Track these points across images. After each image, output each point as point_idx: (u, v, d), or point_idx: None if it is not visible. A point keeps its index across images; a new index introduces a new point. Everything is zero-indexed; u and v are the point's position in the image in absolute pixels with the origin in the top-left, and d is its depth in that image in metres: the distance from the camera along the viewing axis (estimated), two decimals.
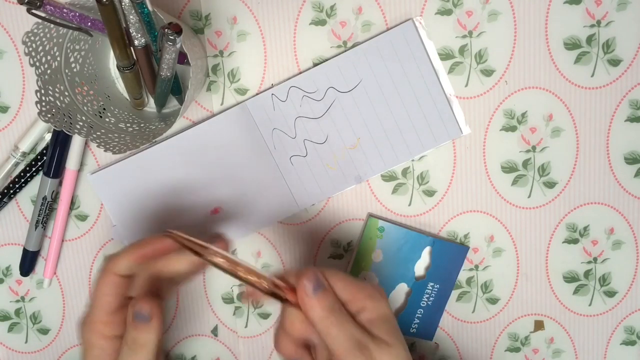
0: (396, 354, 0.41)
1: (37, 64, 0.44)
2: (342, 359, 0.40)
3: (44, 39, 0.44)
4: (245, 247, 0.54)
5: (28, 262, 0.54)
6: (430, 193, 0.53)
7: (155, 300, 0.42)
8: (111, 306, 0.42)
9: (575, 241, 0.54)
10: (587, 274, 0.54)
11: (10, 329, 0.56)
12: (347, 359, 0.40)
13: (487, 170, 0.52)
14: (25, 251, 0.54)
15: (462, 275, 0.54)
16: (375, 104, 0.51)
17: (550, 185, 0.53)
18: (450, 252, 0.53)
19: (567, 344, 0.56)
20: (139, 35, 0.44)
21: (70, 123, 0.46)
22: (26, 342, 0.56)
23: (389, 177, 0.53)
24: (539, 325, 0.55)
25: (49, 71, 0.46)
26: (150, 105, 0.52)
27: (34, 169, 0.53)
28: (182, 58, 0.48)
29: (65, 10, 0.43)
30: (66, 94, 0.47)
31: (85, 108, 0.48)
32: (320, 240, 0.54)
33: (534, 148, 0.52)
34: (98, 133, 0.47)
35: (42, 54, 0.45)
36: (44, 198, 0.52)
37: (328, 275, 0.42)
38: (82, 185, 0.53)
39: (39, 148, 0.52)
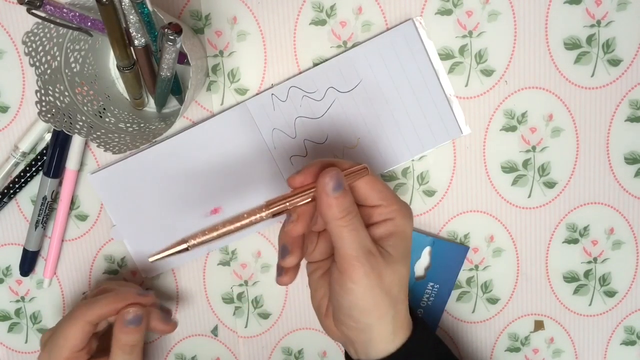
0: (400, 270, 0.42)
1: (37, 64, 0.44)
2: (347, 262, 0.40)
3: (44, 39, 0.44)
4: (245, 247, 0.54)
5: (28, 262, 0.54)
6: (430, 193, 0.53)
7: (139, 305, 0.48)
8: (79, 347, 0.47)
9: (575, 241, 0.54)
10: (587, 274, 0.54)
11: (10, 329, 0.56)
12: (351, 263, 0.40)
13: (487, 170, 0.52)
14: (25, 251, 0.54)
15: (462, 275, 0.54)
16: (375, 104, 0.51)
17: (550, 185, 0.53)
18: (450, 252, 0.53)
19: (567, 344, 0.56)
20: (139, 35, 0.44)
21: (70, 123, 0.46)
22: (26, 342, 0.56)
23: (389, 177, 0.53)
24: (539, 325, 0.55)
25: (49, 71, 0.46)
26: (150, 105, 0.52)
27: (34, 169, 0.53)
28: (182, 58, 0.48)
29: (65, 10, 0.43)
30: (66, 94, 0.47)
31: (85, 108, 0.48)
32: None
33: (534, 148, 0.52)
34: (98, 133, 0.47)
35: (42, 54, 0.45)
36: (44, 198, 0.52)
37: (366, 179, 0.42)
38: (82, 185, 0.53)
39: (39, 148, 0.52)
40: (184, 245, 0.40)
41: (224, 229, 0.40)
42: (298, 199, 0.41)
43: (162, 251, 0.40)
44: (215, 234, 0.40)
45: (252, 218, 0.41)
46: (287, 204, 0.41)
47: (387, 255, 0.42)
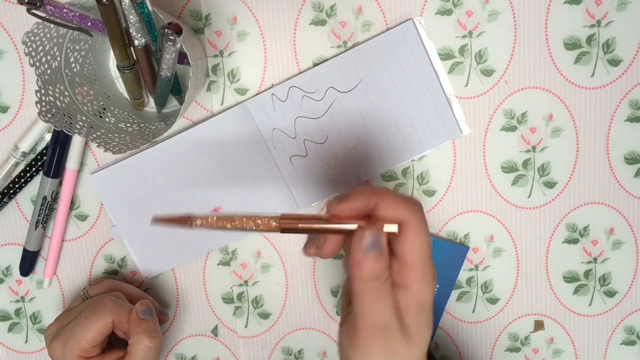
0: (417, 351, 0.38)
1: (37, 64, 0.44)
2: (360, 335, 0.37)
3: (44, 39, 0.44)
4: (245, 247, 0.54)
5: (28, 262, 0.54)
6: (430, 193, 0.53)
7: (149, 299, 0.51)
8: (98, 341, 0.48)
9: (575, 241, 0.54)
10: (587, 274, 0.54)
11: (10, 329, 0.56)
12: (366, 338, 0.37)
13: (487, 170, 0.52)
14: (25, 251, 0.54)
15: (462, 275, 0.54)
16: (375, 104, 0.51)
17: (550, 185, 0.53)
18: (450, 252, 0.53)
19: (567, 344, 0.56)
20: (139, 35, 0.44)
21: (70, 123, 0.46)
22: (26, 342, 0.56)
23: (389, 177, 0.53)
24: (539, 325, 0.55)
25: (49, 71, 0.46)
26: (150, 105, 0.52)
27: (34, 169, 0.53)
28: (182, 58, 0.48)
29: (65, 10, 0.43)
30: (66, 94, 0.47)
31: (85, 108, 0.48)
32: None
33: (534, 148, 0.52)
34: (98, 133, 0.47)
35: (42, 54, 0.45)
36: (44, 198, 0.52)
37: (410, 226, 0.36)
38: (82, 185, 0.53)
39: (39, 148, 0.52)
40: (187, 222, 0.37)
41: (231, 226, 0.38)
42: (315, 226, 0.38)
43: (167, 218, 0.38)
44: (219, 224, 0.38)
45: (263, 226, 0.38)
46: (299, 225, 0.38)
47: (405, 333, 0.37)
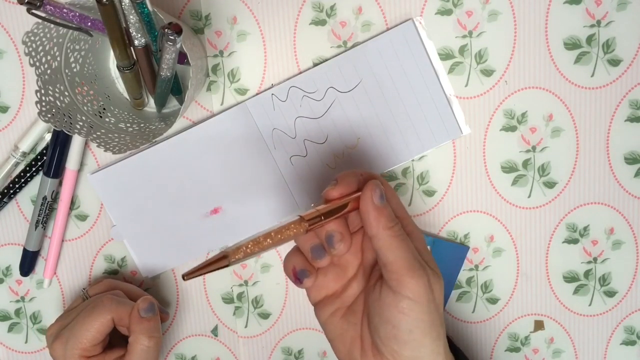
0: (442, 285, 0.40)
1: (37, 64, 0.44)
2: (405, 274, 0.38)
3: (44, 39, 0.44)
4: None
5: (28, 262, 0.54)
6: (430, 193, 0.53)
7: (150, 296, 0.50)
8: (99, 339, 0.48)
9: (575, 241, 0.54)
10: (587, 274, 0.54)
11: (10, 329, 0.56)
12: (408, 274, 0.38)
13: (487, 170, 0.52)
14: (25, 251, 0.54)
15: (462, 275, 0.54)
16: (375, 104, 0.51)
17: (550, 185, 0.53)
18: (450, 252, 0.53)
19: (567, 344, 0.56)
20: (139, 35, 0.44)
21: (70, 123, 0.46)
22: (26, 342, 0.56)
23: (389, 177, 0.53)
24: (539, 325, 0.55)
25: (49, 71, 0.46)
26: (150, 105, 0.52)
27: (34, 169, 0.53)
28: (182, 58, 0.48)
29: (65, 10, 0.43)
30: (66, 94, 0.47)
31: (85, 108, 0.48)
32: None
33: (534, 148, 0.52)
34: (98, 133, 0.47)
35: (42, 54, 0.45)
36: (44, 198, 0.52)
37: (386, 189, 0.41)
38: (82, 185, 0.53)
39: (39, 148, 0.52)
40: (225, 262, 0.36)
41: (266, 244, 0.37)
42: (336, 214, 0.39)
43: (201, 267, 0.35)
44: (257, 249, 0.37)
45: (293, 233, 0.38)
46: (322, 217, 0.39)
47: (431, 267, 0.40)
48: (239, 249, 0.36)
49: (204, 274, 0.36)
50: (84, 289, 0.52)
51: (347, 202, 0.40)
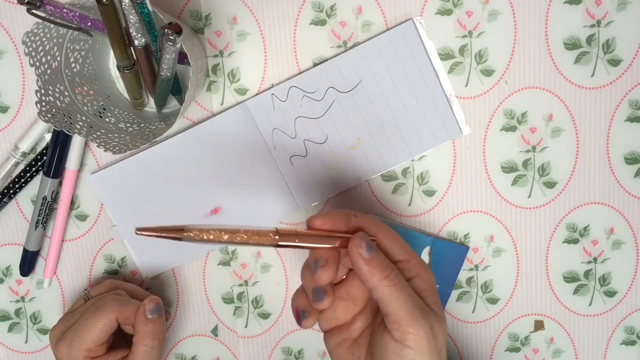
0: (445, 329, 0.40)
1: (37, 64, 0.44)
2: (404, 324, 0.38)
3: (44, 39, 0.44)
4: (246, 247, 0.54)
5: (28, 262, 0.54)
6: (430, 193, 0.53)
7: (157, 297, 0.49)
8: (103, 340, 0.48)
9: (575, 241, 0.54)
10: (587, 274, 0.54)
11: (10, 329, 0.56)
12: (410, 324, 0.37)
13: (487, 170, 0.52)
14: (25, 251, 0.54)
15: (462, 275, 0.54)
16: (375, 104, 0.51)
17: (550, 185, 0.53)
18: (450, 252, 0.53)
19: (567, 344, 0.56)
20: (139, 35, 0.44)
21: (70, 123, 0.46)
22: (26, 342, 0.56)
23: (389, 177, 0.53)
24: (539, 325, 0.55)
25: (49, 71, 0.46)
26: (150, 105, 0.52)
27: (34, 169, 0.53)
28: (182, 58, 0.48)
29: (65, 10, 0.43)
30: (66, 94, 0.47)
31: (85, 108, 0.48)
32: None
33: (534, 148, 0.52)
34: (98, 133, 0.47)
35: (42, 54, 0.45)
36: (44, 198, 0.52)
37: (386, 233, 0.40)
38: (82, 185, 0.53)
39: (39, 148, 0.52)
40: (179, 235, 0.36)
41: (226, 239, 0.37)
42: (314, 242, 0.39)
43: (156, 229, 0.36)
44: (216, 239, 0.37)
45: (259, 241, 0.38)
46: (297, 240, 0.39)
47: (433, 311, 0.39)
48: (200, 231, 0.36)
49: (157, 237, 0.36)
50: (85, 289, 0.52)
51: (329, 236, 0.40)
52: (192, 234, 0.36)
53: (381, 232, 0.41)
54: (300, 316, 0.41)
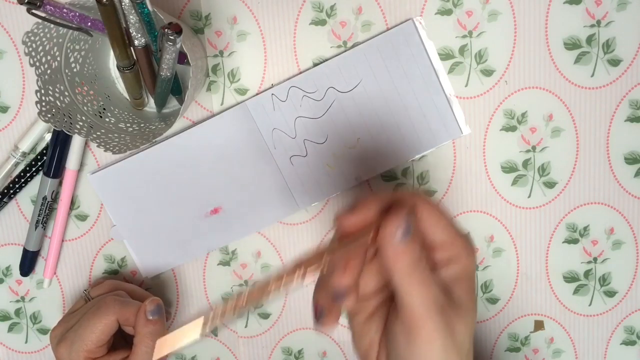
0: (471, 321, 0.36)
1: (37, 64, 0.44)
2: (417, 320, 0.34)
3: (44, 39, 0.44)
4: (245, 247, 0.54)
5: (28, 262, 0.54)
6: (430, 193, 0.53)
7: (158, 298, 0.49)
8: (104, 341, 0.48)
9: (575, 241, 0.54)
10: (587, 274, 0.54)
11: (10, 329, 0.56)
12: (424, 322, 0.34)
13: (487, 170, 0.52)
14: (25, 251, 0.54)
15: None
16: (375, 104, 0.51)
17: (550, 185, 0.53)
18: None
19: (567, 344, 0.56)
20: (139, 35, 0.44)
21: (70, 123, 0.46)
22: (26, 342, 0.56)
23: (389, 177, 0.53)
24: (539, 325, 0.55)
25: (49, 71, 0.46)
26: (150, 105, 0.52)
27: (34, 169, 0.53)
28: (182, 58, 0.48)
29: (65, 10, 0.43)
30: (66, 94, 0.47)
31: (85, 108, 0.48)
32: (321, 240, 0.54)
33: (534, 148, 0.52)
34: (98, 133, 0.47)
35: (42, 54, 0.45)
36: (44, 198, 0.52)
37: (424, 209, 0.35)
38: (82, 185, 0.53)
39: (39, 148, 0.52)
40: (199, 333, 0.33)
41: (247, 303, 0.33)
42: (343, 254, 0.34)
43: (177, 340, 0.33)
44: (248, 304, 0.33)
45: (285, 286, 0.33)
46: (322, 267, 0.34)
47: (459, 305, 0.36)
48: (221, 311, 0.33)
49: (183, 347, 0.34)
50: (85, 290, 0.52)
51: (360, 234, 0.35)
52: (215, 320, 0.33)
53: (422, 207, 0.35)
54: (317, 315, 0.37)
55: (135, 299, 0.51)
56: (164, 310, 0.49)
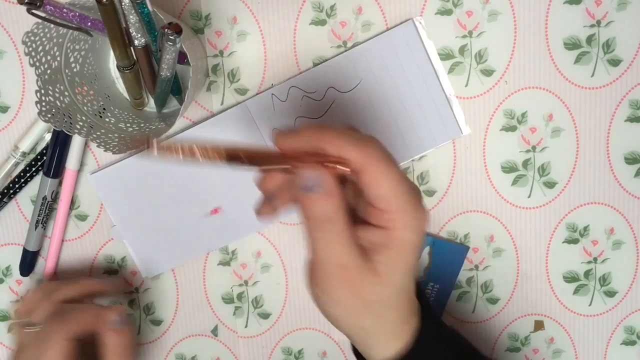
0: (384, 293, 0.36)
1: (37, 64, 0.44)
2: (317, 269, 0.36)
3: (44, 39, 0.44)
4: (245, 247, 0.54)
5: (28, 262, 0.54)
6: (430, 193, 0.53)
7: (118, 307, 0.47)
8: None
9: (575, 241, 0.54)
10: (587, 274, 0.54)
11: (10, 329, 0.56)
12: (322, 272, 0.35)
13: (487, 170, 0.53)
14: (25, 251, 0.54)
15: (462, 275, 0.54)
16: (375, 104, 0.51)
17: (550, 185, 0.53)
18: (450, 252, 0.53)
19: (567, 344, 0.56)
20: (139, 35, 0.44)
21: (70, 123, 0.46)
22: None
23: None
24: (539, 325, 0.55)
25: (49, 71, 0.46)
26: (150, 105, 0.52)
27: (34, 169, 0.53)
28: (182, 58, 0.48)
29: (65, 10, 0.43)
30: (66, 94, 0.47)
31: (85, 108, 0.48)
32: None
33: (534, 148, 0.52)
34: (98, 133, 0.47)
35: (42, 54, 0.45)
36: (44, 198, 0.52)
37: (371, 172, 0.34)
38: (82, 185, 0.53)
39: (39, 148, 0.52)
40: (147, 143, 0.34)
41: (183, 154, 0.35)
42: (259, 162, 0.36)
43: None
44: (173, 150, 0.35)
45: (211, 156, 0.35)
46: (244, 158, 0.36)
47: (374, 269, 0.35)
48: (167, 144, 0.35)
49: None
50: (13, 321, 0.48)
51: (278, 157, 0.36)
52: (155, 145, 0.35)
53: (370, 169, 0.34)
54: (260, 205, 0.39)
55: (80, 294, 0.48)
56: (128, 321, 0.46)
